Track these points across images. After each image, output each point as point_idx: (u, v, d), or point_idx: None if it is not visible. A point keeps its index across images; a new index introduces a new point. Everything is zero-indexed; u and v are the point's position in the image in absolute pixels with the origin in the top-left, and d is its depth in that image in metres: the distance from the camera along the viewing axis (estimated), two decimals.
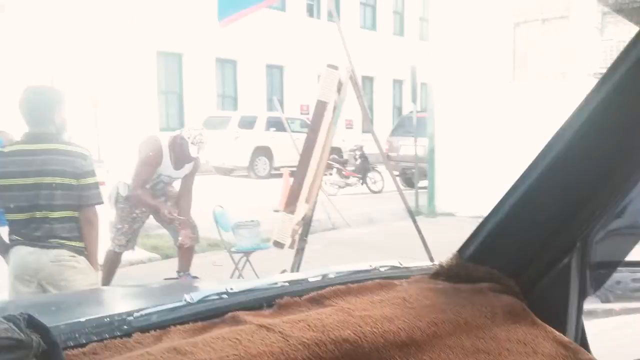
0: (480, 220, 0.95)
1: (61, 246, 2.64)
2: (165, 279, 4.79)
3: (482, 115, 9.30)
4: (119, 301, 1.26)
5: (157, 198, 4.50)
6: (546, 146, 0.87)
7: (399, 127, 13.88)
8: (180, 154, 4.45)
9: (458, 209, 9.52)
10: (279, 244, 3.81)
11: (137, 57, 16.20)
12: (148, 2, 15.88)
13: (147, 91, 16.51)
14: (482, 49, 9.10)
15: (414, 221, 4.77)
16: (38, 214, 2.61)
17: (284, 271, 4.45)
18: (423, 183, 10.43)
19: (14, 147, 2.70)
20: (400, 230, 7.87)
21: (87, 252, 2.74)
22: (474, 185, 9.22)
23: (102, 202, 2.75)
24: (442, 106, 9.73)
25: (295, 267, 3.97)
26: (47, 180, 2.58)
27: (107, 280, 4.48)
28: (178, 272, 4.85)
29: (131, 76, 16.16)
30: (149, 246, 6.75)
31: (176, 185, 4.74)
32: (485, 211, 0.96)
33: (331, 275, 0.91)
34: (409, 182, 12.26)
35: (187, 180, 4.65)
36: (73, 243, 2.68)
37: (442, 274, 0.94)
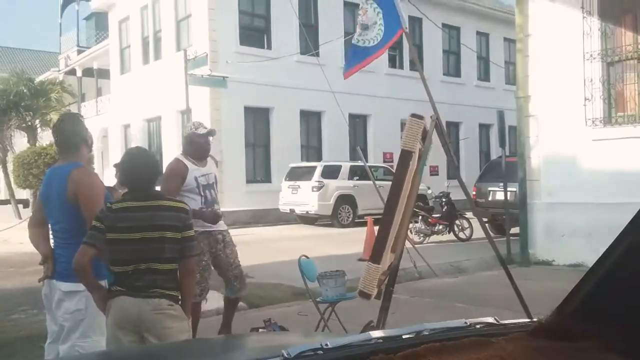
0: (580, 269, 0.90)
1: (161, 296, 2.77)
2: (252, 329, 4.86)
3: (578, 159, 8.88)
4: (215, 353, 1.29)
5: (212, 206, 4.66)
6: None
7: (487, 173, 13.51)
8: (193, 149, 4.70)
9: (555, 257, 9.02)
10: (365, 295, 3.77)
11: (228, 113, 17.04)
12: (237, 63, 16.80)
13: (236, 144, 17.22)
14: (574, 90, 8.77)
15: (507, 270, 4.56)
16: (142, 266, 2.76)
17: (370, 322, 4.39)
18: (514, 230, 10.02)
19: (123, 204, 2.90)
20: (491, 280, 7.56)
21: (182, 300, 2.86)
22: (572, 232, 8.74)
23: (199, 253, 2.88)
24: (535, 150, 9.40)
25: (382, 319, 3.89)
26: (156, 234, 2.75)
27: (193, 326, 4.63)
28: (264, 321, 4.90)
29: (223, 131, 17.02)
30: None
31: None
32: (585, 259, 0.91)
33: (425, 332, 0.90)
34: (500, 229, 11.82)
35: None
36: (172, 292, 2.81)
37: (542, 331, 0.90)
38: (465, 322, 0.94)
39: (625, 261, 0.85)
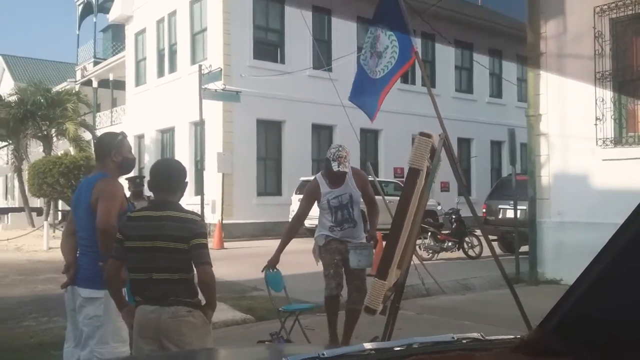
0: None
1: (179, 303, 2.83)
2: (259, 341, 4.91)
3: (587, 179, 8.87)
4: None
5: (341, 225, 5.13)
6: (636, 210, 0.86)
7: (498, 190, 13.49)
8: (330, 174, 5.03)
9: (563, 276, 8.98)
10: (370, 310, 3.80)
11: (240, 126, 17.21)
12: (251, 77, 16.99)
13: (247, 157, 17.36)
14: (585, 110, 8.79)
15: (512, 289, 4.58)
16: (155, 275, 2.84)
17: (375, 337, 4.42)
18: (524, 248, 10.00)
19: (140, 213, 3.03)
20: (499, 299, 7.53)
21: (203, 308, 2.90)
22: (581, 252, 8.70)
23: (209, 262, 2.87)
24: (545, 168, 9.40)
25: (387, 334, 3.93)
26: (163, 244, 2.83)
27: (331, 321, 4.97)
28: (271, 334, 4.95)
29: (235, 143, 17.16)
30: (244, 307, 6.92)
31: None
32: None
33: (415, 345, 0.96)
34: (509, 247, 11.78)
35: (365, 196, 5.21)
36: (189, 300, 2.86)
37: (524, 347, 0.95)
38: (453, 337, 1.00)
39: (605, 278, 0.89)
